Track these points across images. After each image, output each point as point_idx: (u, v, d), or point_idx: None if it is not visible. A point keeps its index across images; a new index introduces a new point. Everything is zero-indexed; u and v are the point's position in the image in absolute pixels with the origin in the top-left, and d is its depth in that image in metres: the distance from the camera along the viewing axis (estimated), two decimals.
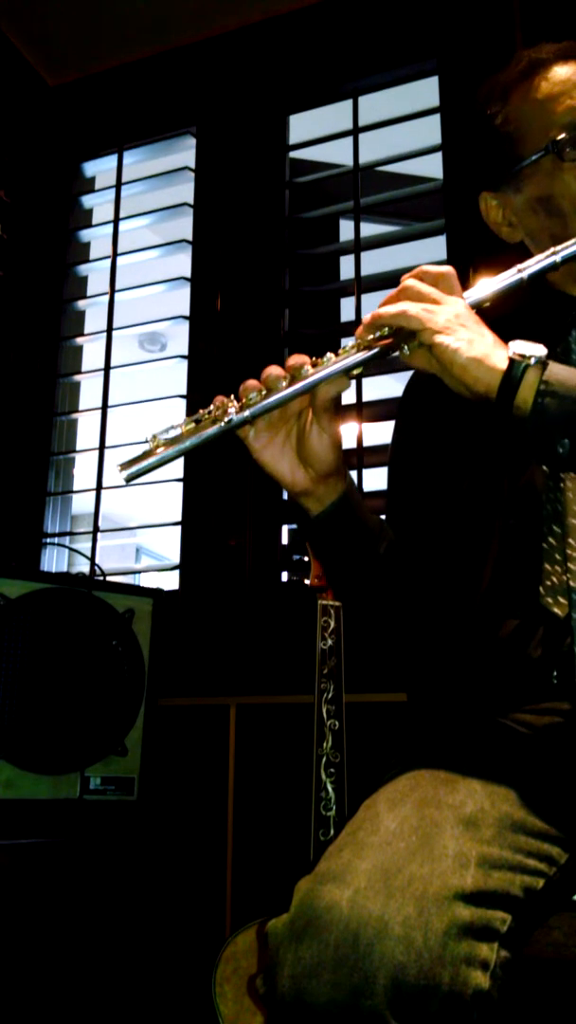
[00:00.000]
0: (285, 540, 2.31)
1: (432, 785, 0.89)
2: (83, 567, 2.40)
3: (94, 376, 2.62)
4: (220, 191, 2.55)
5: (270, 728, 2.11)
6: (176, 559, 2.37)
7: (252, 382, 0.95)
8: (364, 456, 2.20)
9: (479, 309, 0.97)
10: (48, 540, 2.57)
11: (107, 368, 2.56)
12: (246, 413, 0.93)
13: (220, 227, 2.52)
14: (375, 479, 2.07)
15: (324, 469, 1.01)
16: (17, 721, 1.79)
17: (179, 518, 2.38)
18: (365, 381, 2.18)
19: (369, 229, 2.43)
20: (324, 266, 2.54)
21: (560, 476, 1.02)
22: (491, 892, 0.78)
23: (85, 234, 2.79)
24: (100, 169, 2.84)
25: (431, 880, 0.75)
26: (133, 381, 2.97)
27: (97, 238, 2.80)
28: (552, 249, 0.99)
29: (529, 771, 0.93)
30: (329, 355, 0.96)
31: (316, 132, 2.51)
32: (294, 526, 2.30)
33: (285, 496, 2.26)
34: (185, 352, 2.50)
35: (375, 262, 2.36)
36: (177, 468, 2.41)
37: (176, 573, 2.36)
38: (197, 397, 2.42)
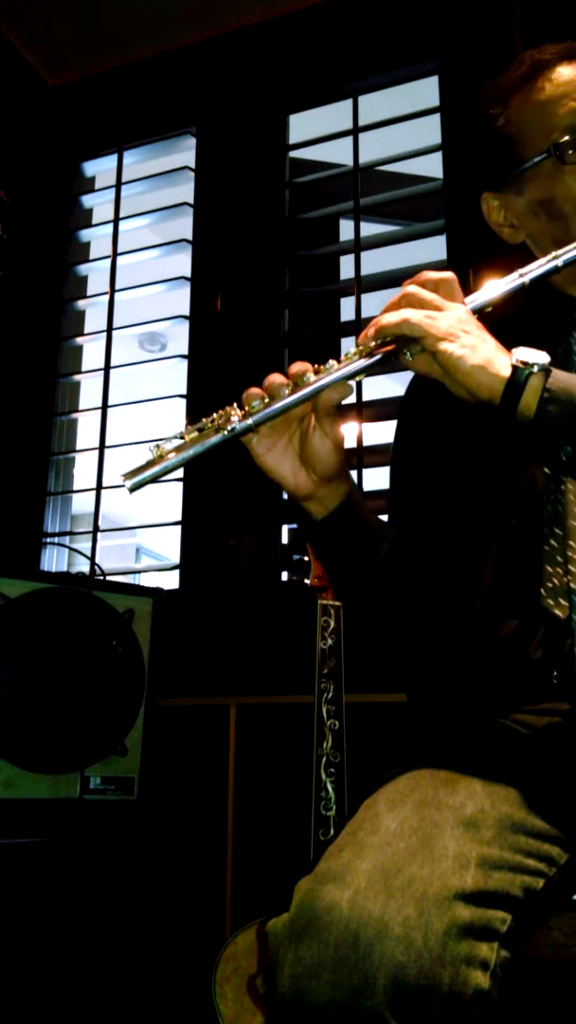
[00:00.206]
0: (285, 540, 2.31)
1: (432, 785, 0.90)
2: (83, 567, 2.40)
3: (94, 376, 2.62)
4: (220, 191, 2.55)
5: (270, 728, 2.11)
6: (176, 559, 2.38)
7: (255, 390, 0.96)
8: (364, 456, 2.20)
9: (480, 313, 0.97)
10: (48, 540, 2.57)
11: (107, 368, 2.56)
12: (249, 421, 0.94)
13: (220, 227, 2.52)
14: (375, 479, 2.07)
15: (327, 472, 1.01)
16: (17, 721, 1.79)
17: (179, 518, 2.38)
18: (365, 382, 2.16)
19: (369, 229, 2.43)
20: (324, 266, 2.54)
21: (561, 477, 1.02)
22: (491, 892, 0.78)
23: (85, 234, 2.79)
24: (100, 169, 2.84)
25: (431, 880, 0.75)
26: (133, 381, 2.97)
27: (97, 238, 2.80)
28: (554, 253, 0.99)
29: (529, 772, 0.93)
30: (331, 362, 0.96)
31: (316, 132, 2.51)
32: (294, 526, 2.30)
33: (285, 496, 2.26)
34: (185, 352, 2.50)
35: (375, 262, 2.36)
36: (178, 469, 2.40)
37: (176, 573, 2.36)
38: (197, 397, 2.42)
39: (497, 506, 1.08)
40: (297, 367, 0.96)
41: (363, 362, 0.95)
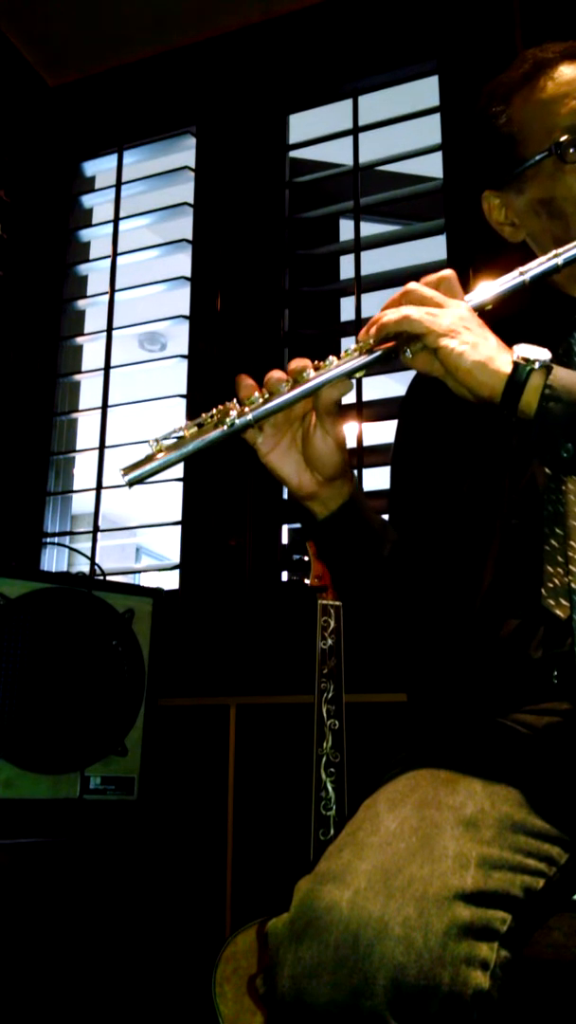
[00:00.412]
0: (285, 540, 2.31)
1: (432, 785, 0.89)
2: (83, 567, 2.40)
3: (94, 376, 2.62)
4: (220, 191, 2.55)
5: (270, 728, 2.11)
6: (176, 559, 2.37)
7: (248, 379, 0.96)
8: (364, 456, 2.20)
9: (481, 312, 0.97)
10: (48, 540, 2.57)
11: (107, 368, 2.56)
12: (248, 416, 0.94)
13: (220, 227, 2.52)
14: (375, 479, 2.07)
15: (329, 472, 1.01)
16: (17, 721, 1.79)
17: (179, 518, 2.38)
18: (365, 381, 2.18)
19: (369, 229, 2.43)
20: (324, 266, 2.54)
21: (561, 477, 1.02)
22: (491, 892, 0.78)
23: (85, 234, 2.79)
24: (100, 169, 2.84)
25: (431, 881, 0.75)
26: (133, 381, 2.97)
27: (97, 238, 2.80)
28: (554, 252, 0.99)
29: (529, 771, 0.93)
30: (331, 358, 0.96)
31: (316, 132, 2.51)
32: (294, 526, 2.30)
33: (285, 496, 2.26)
34: (185, 352, 2.50)
35: (375, 262, 2.36)
36: (177, 468, 2.37)
37: (176, 573, 2.36)
38: (197, 397, 2.42)
39: (498, 506, 1.08)
40: (297, 363, 0.96)
41: (363, 359, 0.95)
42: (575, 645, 0.96)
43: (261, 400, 0.94)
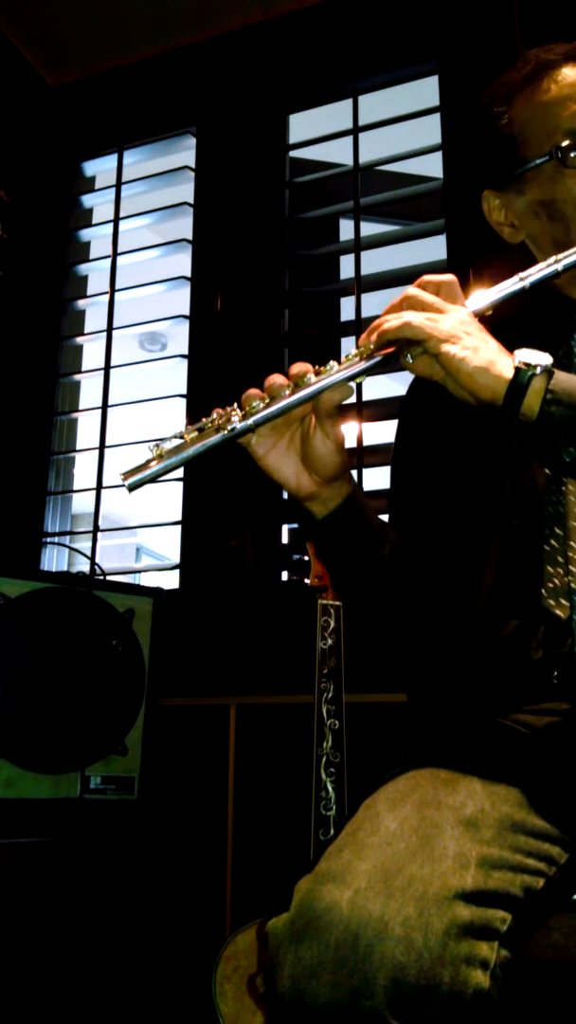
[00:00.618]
0: (285, 540, 2.31)
1: (432, 785, 0.90)
2: (83, 567, 2.40)
3: (94, 376, 2.62)
4: (220, 191, 2.55)
5: (270, 728, 2.11)
6: (176, 559, 2.38)
7: (255, 391, 0.96)
8: (364, 456, 2.20)
9: (481, 316, 0.97)
10: (48, 540, 2.57)
11: (107, 368, 2.56)
12: (249, 421, 0.94)
13: (220, 227, 2.52)
14: (375, 479, 2.07)
15: (328, 473, 1.01)
16: (17, 721, 1.79)
17: (179, 518, 2.38)
18: (366, 381, 2.14)
19: (369, 229, 2.43)
20: (324, 266, 2.54)
21: (561, 478, 1.03)
22: (491, 892, 0.78)
23: (85, 234, 2.79)
24: (100, 169, 2.84)
25: (431, 880, 0.75)
26: (133, 381, 2.97)
27: (97, 238, 2.80)
28: (555, 257, 1.00)
29: (529, 771, 0.93)
30: (332, 363, 0.96)
31: (316, 132, 2.51)
32: (294, 526, 2.30)
33: (286, 495, 2.26)
34: (185, 352, 2.50)
35: (375, 262, 2.36)
36: (178, 469, 2.40)
37: (176, 573, 2.36)
38: (197, 397, 2.42)
39: (499, 507, 1.08)
40: (298, 368, 0.96)
41: (363, 364, 0.95)
42: (575, 645, 0.96)
43: (262, 405, 0.94)
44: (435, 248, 2.28)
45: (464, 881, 0.77)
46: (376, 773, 1.00)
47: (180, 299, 2.56)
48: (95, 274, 2.80)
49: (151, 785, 1.94)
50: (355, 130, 2.41)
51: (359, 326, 2.30)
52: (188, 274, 2.54)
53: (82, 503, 2.82)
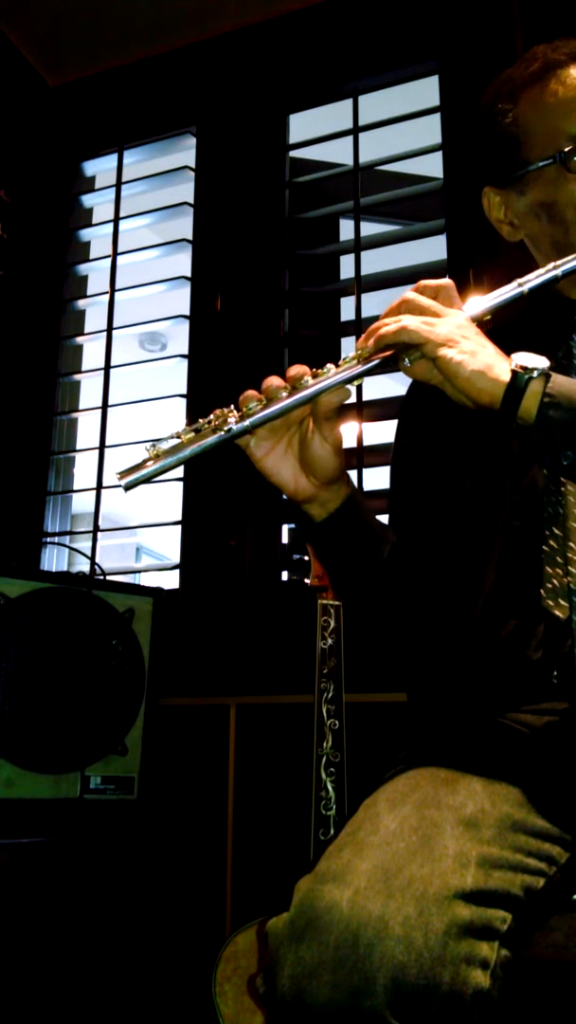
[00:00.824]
0: (285, 540, 2.31)
1: (432, 785, 0.90)
2: (83, 566, 2.40)
3: (94, 376, 2.62)
4: (220, 191, 2.55)
5: (270, 728, 2.11)
6: (176, 559, 2.38)
7: (252, 393, 0.96)
8: (364, 456, 2.20)
9: (479, 321, 0.97)
10: (48, 539, 2.57)
11: (107, 368, 2.56)
12: (246, 423, 0.94)
13: (220, 227, 2.52)
14: (375, 479, 2.07)
15: (326, 475, 1.01)
16: (17, 721, 1.79)
17: (179, 518, 2.38)
18: (365, 381, 2.15)
19: (369, 229, 2.43)
20: (324, 266, 2.54)
21: (560, 479, 1.03)
22: (491, 891, 0.78)
23: (85, 234, 2.79)
24: (100, 169, 2.84)
25: (431, 880, 0.75)
26: (133, 381, 2.97)
27: (97, 238, 2.80)
28: (553, 264, 1.00)
29: (529, 771, 0.93)
30: (329, 366, 0.96)
31: (316, 132, 2.51)
32: (294, 526, 2.30)
33: (285, 496, 2.26)
34: (185, 352, 2.50)
35: (375, 262, 2.36)
36: (177, 468, 2.40)
37: (176, 573, 2.36)
38: (197, 397, 2.42)
39: (498, 507, 1.08)
40: (295, 370, 0.96)
41: (360, 368, 0.95)
42: (575, 646, 0.96)
43: (259, 407, 0.94)
44: (435, 248, 2.28)
45: (464, 881, 0.77)
46: (376, 773, 1.00)
47: (180, 299, 2.56)
48: (95, 274, 2.80)
49: (151, 785, 1.94)
50: (355, 130, 2.41)
51: (359, 326, 2.30)
52: (188, 274, 2.54)
53: (82, 503, 2.82)
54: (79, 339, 2.72)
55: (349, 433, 2.20)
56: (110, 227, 2.68)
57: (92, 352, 2.80)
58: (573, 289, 1.15)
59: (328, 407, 0.97)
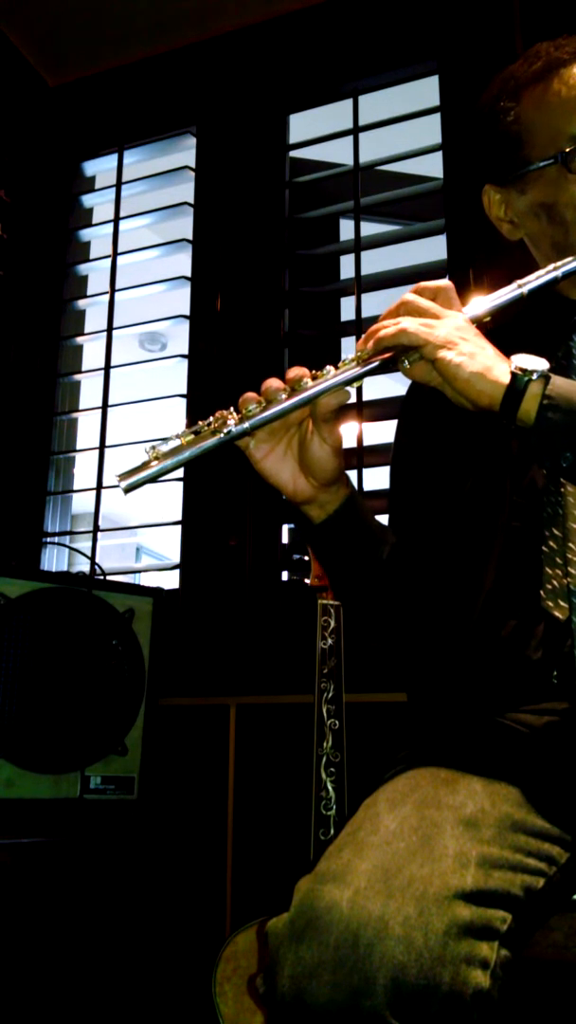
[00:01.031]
0: (285, 540, 2.31)
1: (432, 785, 0.90)
2: (83, 566, 2.40)
3: (94, 376, 2.62)
4: (220, 191, 2.55)
5: (270, 728, 2.11)
6: (176, 559, 2.38)
7: (251, 394, 0.96)
8: (364, 456, 2.20)
9: (479, 323, 0.97)
10: (48, 540, 2.57)
11: (107, 368, 2.56)
12: (245, 425, 0.94)
13: (220, 227, 2.52)
14: (375, 479, 2.07)
15: (326, 477, 1.01)
16: (17, 721, 1.79)
17: (179, 518, 2.38)
18: (365, 381, 2.15)
19: (369, 229, 2.43)
20: (324, 266, 2.54)
21: (560, 480, 1.03)
22: (491, 891, 0.78)
23: (85, 234, 2.79)
24: (100, 169, 2.84)
25: (431, 880, 0.75)
26: (133, 381, 2.97)
27: (97, 238, 2.80)
28: (553, 265, 1.00)
29: (529, 771, 0.93)
30: (328, 368, 0.96)
31: (316, 132, 2.51)
32: (294, 526, 2.30)
33: (284, 496, 2.26)
34: (185, 352, 2.50)
35: (375, 262, 2.36)
36: (173, 471, 2.40)
37: (176, 573, 2.36)
38: (197, 397, 2.42)
39: (498, 508, 1.08)
40: (295, 372, 0.96)
41: (360, 370, 0.95)
42: (574, 646, 0.96)
43: (259, 408, 0.94)
44: (435, 248, 2.28)
45: (464, 881, 0.77)
46: (376, 773, 1.00)
47: (180, 299, 2.56)
48: (95, 274, 2.80)
49: (151, 785, 1.94)
50: (355, 130, 2.41)
51: (359, 326, 2.30)
52: (188, 274, 2.54)
53: (82, 503, 2.82)
54: (79, 339, 2.72)
55: (349, 433, 2.20)
56: (110, 227, 2.68)
57: (92, 352, 2.80)
58: (573, 290, 1.15)
59: (327, 409, 0.97)
